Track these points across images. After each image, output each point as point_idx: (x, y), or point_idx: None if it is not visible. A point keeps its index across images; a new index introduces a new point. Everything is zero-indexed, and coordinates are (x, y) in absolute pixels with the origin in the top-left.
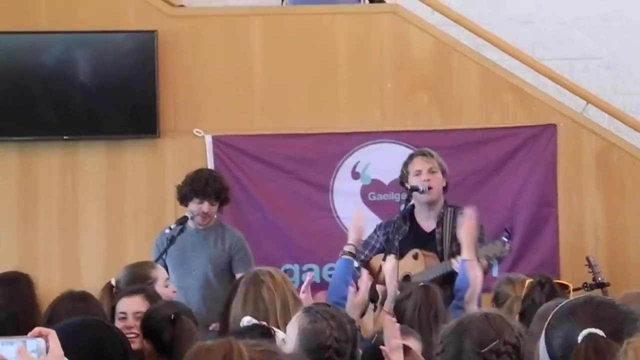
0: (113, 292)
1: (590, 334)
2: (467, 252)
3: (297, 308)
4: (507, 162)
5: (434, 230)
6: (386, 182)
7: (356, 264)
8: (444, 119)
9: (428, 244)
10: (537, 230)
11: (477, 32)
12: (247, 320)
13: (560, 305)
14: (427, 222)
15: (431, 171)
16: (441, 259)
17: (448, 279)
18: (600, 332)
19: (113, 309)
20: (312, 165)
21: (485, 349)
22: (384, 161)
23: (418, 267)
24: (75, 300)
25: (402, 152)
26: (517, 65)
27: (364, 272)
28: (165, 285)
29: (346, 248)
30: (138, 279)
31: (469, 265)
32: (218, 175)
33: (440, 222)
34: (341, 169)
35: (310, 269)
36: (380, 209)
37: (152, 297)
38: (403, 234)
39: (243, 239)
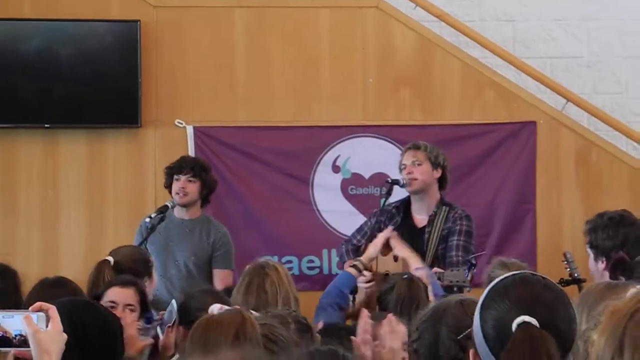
0: (113, 268)
1: (524, 324)
2: (416, 261)
3: (296, 308)
4: (487, 158)
5: (424, 228)
6: (366, 175)
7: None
8: (426, 114)
9: (416, 240)
10: (516, 226)
11: (460, 29)
12: (217, 308)
13: (494, 283)
14: (420, 216)
15: (415, 164)
16: (423, 260)
17: None
18: (534, 321)
19: None
20: (293, 158)
21: (461, 336)
22: (364, 155)
23: (397, 269)
24: (52, 286)
25: (383, 146)
26: (499, 63)
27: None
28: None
29: (354, 262)
30: (140, 261)
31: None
32: (198, 158)
33: (431, 221)
34: (322, 162)
35: (290, 261)
36: (360, 202)
37: (142, 292)
38: (395, 224)
39: (227, 235)
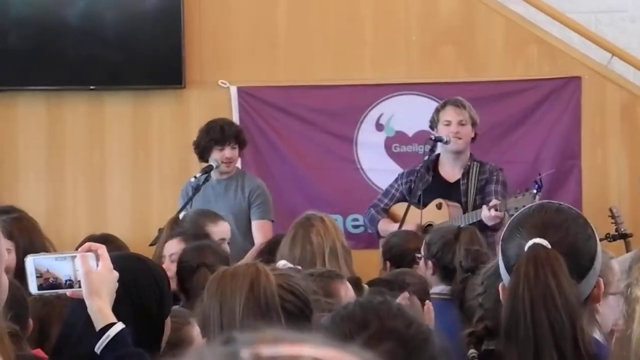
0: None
1: (533, 245)
2: None
3: (345, 257)
4: (531, 114)
5: (458, 181)
6: (410, 133)
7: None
8: (469, 71)
9: (451, 194)
10: (561, 182)
11: None
12: (282, 264)
13: (512, 217)
14: (451, 172)
15: (461, 123)
16: (465, 210)
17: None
18: (545, 242)
19: None
20: (336, 116)
21: None
22: (408, 113)
23: (441, 217)
24: (99, 242)
25: (426, 104)
26: (543, 19)
27: None
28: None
29: None
30: (195, 227)
31: None
32: (229, 120)
33: (466, 174)
34: (365, 120)
35: (335, 220)
36: (404, 160)
37: (188, 239)
38: (426, 183)
39: (263, 186)
